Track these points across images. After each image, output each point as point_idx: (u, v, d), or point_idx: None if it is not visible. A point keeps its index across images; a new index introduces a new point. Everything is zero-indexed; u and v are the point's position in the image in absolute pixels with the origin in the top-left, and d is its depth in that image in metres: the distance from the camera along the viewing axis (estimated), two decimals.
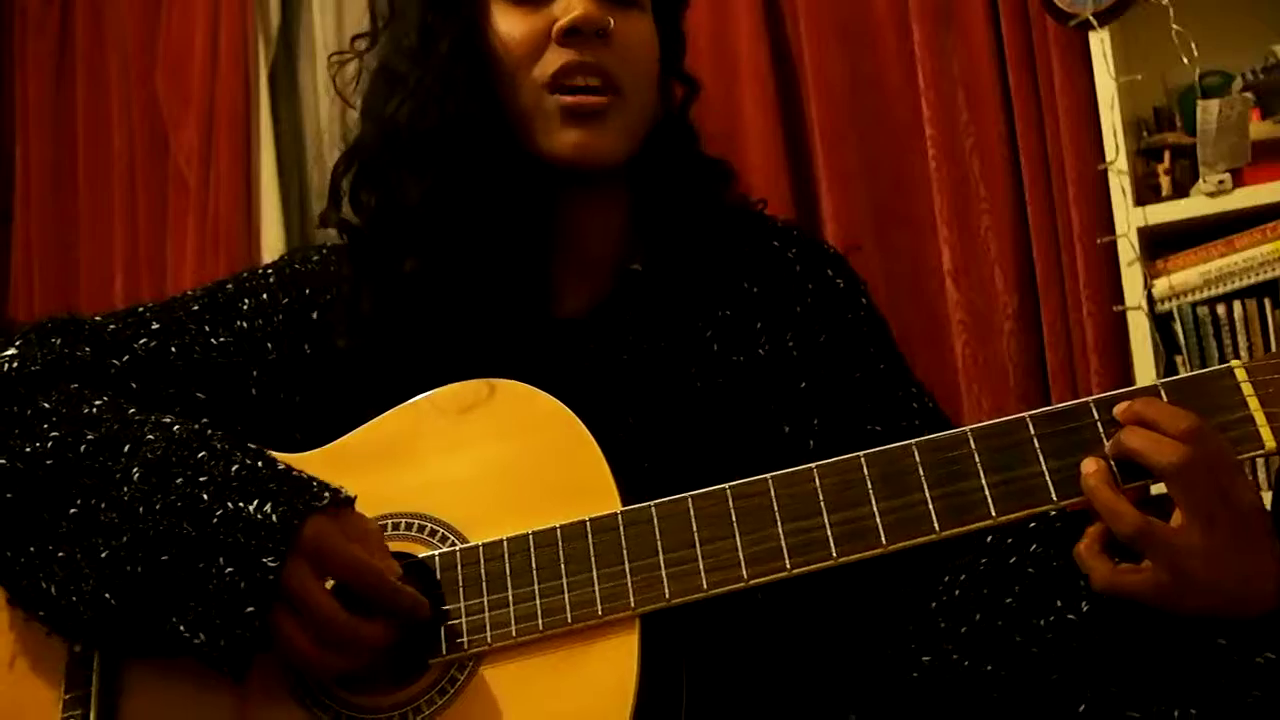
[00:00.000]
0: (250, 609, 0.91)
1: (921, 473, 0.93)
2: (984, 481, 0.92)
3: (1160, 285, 2.19)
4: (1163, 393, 0.92)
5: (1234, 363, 0.93)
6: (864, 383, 1.17)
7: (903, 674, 1.05)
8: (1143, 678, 0.92)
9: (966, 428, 0.94)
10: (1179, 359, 2.17)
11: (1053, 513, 0.93)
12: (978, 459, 0.93)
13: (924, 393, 1.19)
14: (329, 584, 0.94)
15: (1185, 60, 2.11)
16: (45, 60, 3.37)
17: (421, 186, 1.10)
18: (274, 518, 0.92)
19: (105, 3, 3.32)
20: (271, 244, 3.03)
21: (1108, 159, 2.23)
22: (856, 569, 0.94)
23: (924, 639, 1.05)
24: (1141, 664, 0.92)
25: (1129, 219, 2.20)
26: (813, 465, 0.95)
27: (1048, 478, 0.91)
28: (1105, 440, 0.92)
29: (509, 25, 1.11)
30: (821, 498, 0.94)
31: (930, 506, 0.92)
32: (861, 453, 0.95)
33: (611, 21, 1.10)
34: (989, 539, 1.06)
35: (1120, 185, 2.21)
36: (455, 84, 1.11)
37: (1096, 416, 0.92)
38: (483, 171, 1.10)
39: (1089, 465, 0.91)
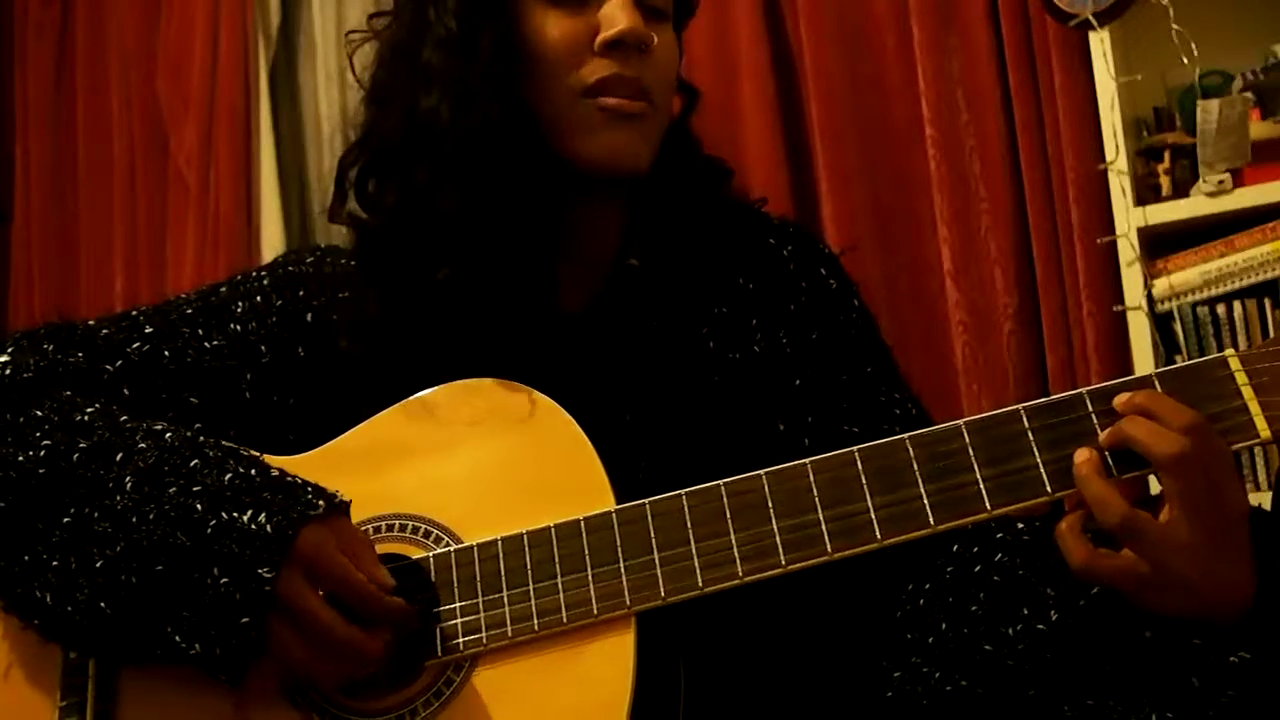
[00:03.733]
0: (245, 619, 0.90)
1: (915, 467, 0.93)
2: (978, 475, 0.92)
3: (1160, 285, 2.19)
4: (1157, 383, 0.91)
5: (1228, 352, 0.92)
6: (849, 384, 1.16)
7: (878, 696, 1.04)
8: (1116, 684, 0.91)
9: (960, 420, 0.94)
10: (1179, 359, 2.16)
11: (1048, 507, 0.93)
12: (972, 452, 0.92)
13: (909, 399, 1.19)
14: (321, 592, 0.93)
15: (1185, 60, 2.10)
16: (45, 60, 3.37)
17: (460, 190, 1.07)
18: (269, 528, 0.92)
19: (105, 3, 3.33)
20: (271, 244, 3.03)
21: (1108, 159, 2.23)
22: (836, 570, 0.94)
23: (892, 653, 1.05)
24: (1114, 670, 0.91)
25: (1129, 219, 2.20)
26: (806, 461, 0.95)
27: (1042, 470, 0.91)
28: (1100, 431, 0.91)
29: (549, 27, 1.09)
30: (816, 493, 0.94)
31: (925, 501, 0.92)
32: (855, 448, 0.95)
33: (655, 37, 1.10)
34: (954, 548, 1.06)
35: (1120, 185, 2.20)
36: (499, 84, 1.08)
37: (1090, 408, 0.92)
38: (517, 176, 1.08)
39: (1081, 455, 0.91)
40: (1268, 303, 2.15)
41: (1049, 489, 0.91)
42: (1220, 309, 2.17)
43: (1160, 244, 2.24)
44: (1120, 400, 0.91)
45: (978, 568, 1.03)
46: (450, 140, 1.08)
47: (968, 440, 0.93)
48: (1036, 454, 0.91)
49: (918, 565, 1.07)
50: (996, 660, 0.97)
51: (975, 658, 0.98)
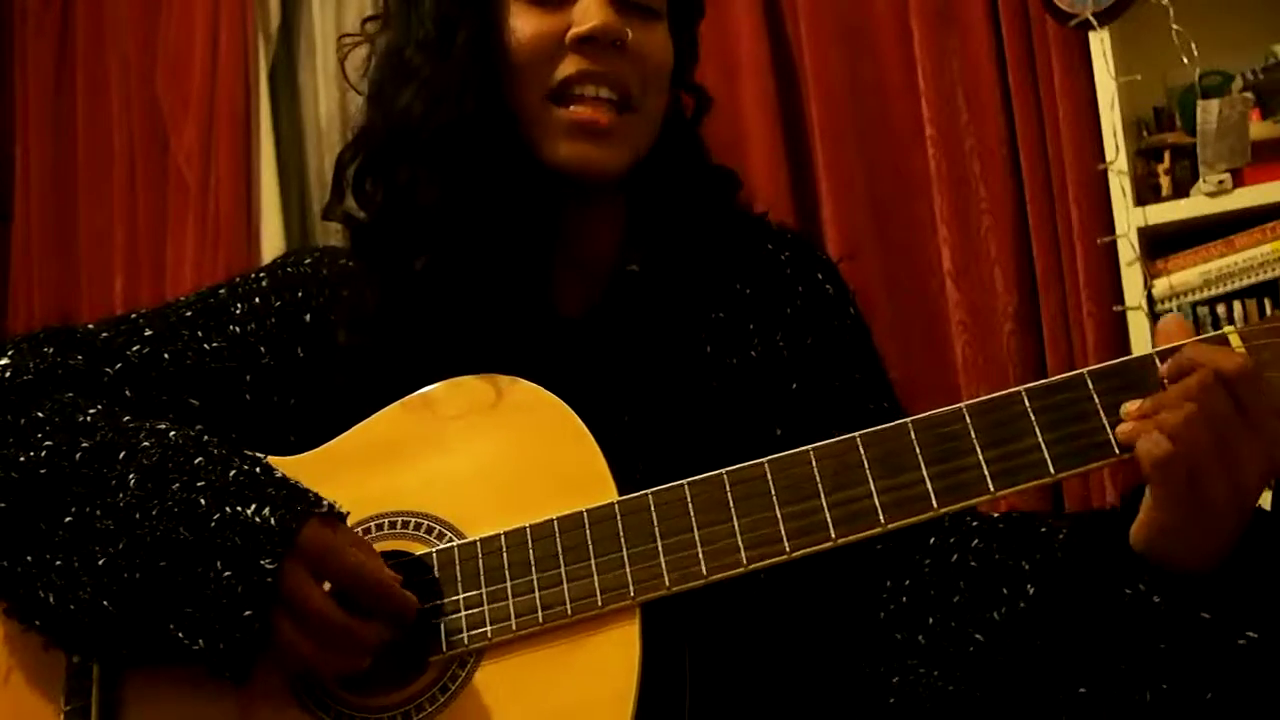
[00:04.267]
0: (249, 612, 0.90)
1: (918, 451, 0.93)
2: (981, 458, 0.92)
3: (1160, 285, 2.19)
4: (1158, 361, 0.91)
5: (1228, 329, 0.92)
6: (840, 391, 1.17)
7: (882, 701, 1.03)
8: (1108, 664, 0.90)
9: (961, 404, 0.94)
10: None
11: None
12: (974, 435, 0.93)
13: (896, 411, 1.18)
14: (326, 587, 0.94)
15: (1185, 60, 2.11)
16: (45, 60, 3.37)
17: (436, 185, 1.08)
18: (272, 521, 0.92)
19: (105, 3, 3.33)
20: (271, 244, 3.03)
21: (1108, 159, 2.23)
22: (836, 560, 0.94)
23: (886, 658, 1.04)
24: (1102, 645, 0.91)
25: (1129, 219, 2.20)
26: (809, 448, 0.95)
27: (1044, 450, 0.91)
28: (1101, 411, 0.91)
29: (524, 24, 1.09)
30: (819, 480, 0.94)
31: (928, 485, 0.92)
32: (857, 434, 0.95)
33: (629, 33, 1.09)
34: (931, 540, 1.06)
35: (1120, 185, 2.21)
36: (471, 82, 1.08)
37: (1091, 388, 0.92)
38: (494, 172, 1.08)
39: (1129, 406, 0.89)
40: (1268, 303, 2.16)
41: (1051, 470, 0.91)
42: (1220, 309, 2.17)
43: (1160, 244, 2.25)
44: (1169, 367, 0.89)
45: (954, 557, 1.02)
46: (424, 135, 1.08)
47: (969, 423, 0.93)
48: (1039, 434, 0.91)
49: (896, 563, 1.07)
50: (990, 655, 0.96)
51: (969, 650, 0.97)
